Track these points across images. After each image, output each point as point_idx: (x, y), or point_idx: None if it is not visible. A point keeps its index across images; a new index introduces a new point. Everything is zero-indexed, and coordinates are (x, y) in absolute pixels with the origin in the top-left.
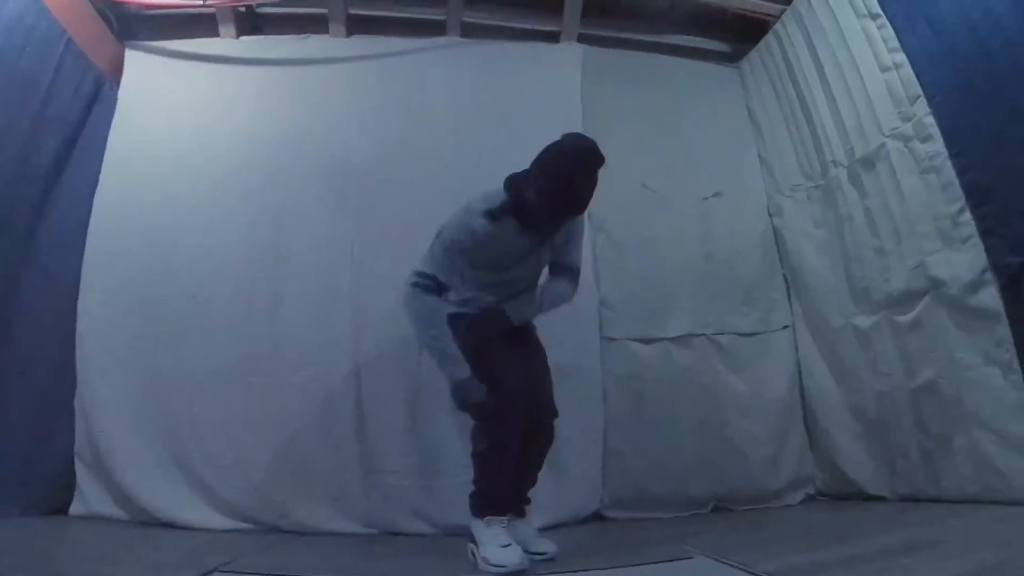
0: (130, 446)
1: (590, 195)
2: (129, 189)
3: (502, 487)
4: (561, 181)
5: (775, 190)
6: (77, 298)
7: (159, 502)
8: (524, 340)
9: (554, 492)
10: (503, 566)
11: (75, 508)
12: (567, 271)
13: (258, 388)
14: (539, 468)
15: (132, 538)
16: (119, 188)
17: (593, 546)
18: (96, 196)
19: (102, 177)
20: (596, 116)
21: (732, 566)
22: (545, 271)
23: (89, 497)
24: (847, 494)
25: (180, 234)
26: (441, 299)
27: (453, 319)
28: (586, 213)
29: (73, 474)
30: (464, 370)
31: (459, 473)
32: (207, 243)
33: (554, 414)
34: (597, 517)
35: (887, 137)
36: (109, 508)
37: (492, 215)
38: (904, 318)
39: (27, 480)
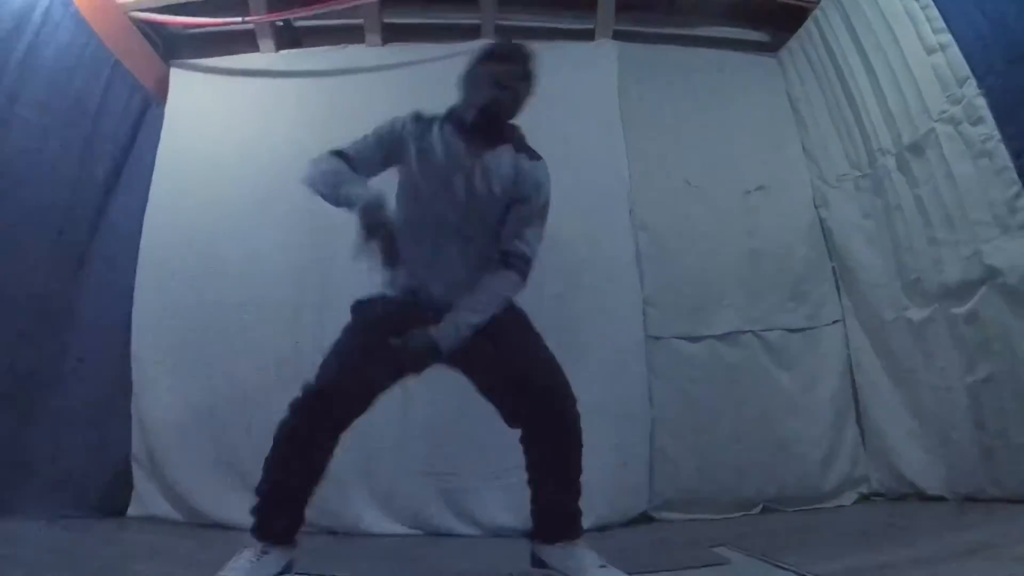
0: (184, 450)
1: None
2: (178, 202)
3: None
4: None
5: (821, 181)
6: (131, 309)
7: (212, 503)
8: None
9: (601, 493)
10: None
11: (132, 510)
12: (509, 256)
13: None
14: (565, 475)
15: (185, 538)
16: (168, 202)
17: (636, 549)
18: (147, 210)
19: (152, 192)
20: (634, 113)
21: (783, 568)
22: None
23: (145, 499)
24: (903, 494)
25: (228, 244)
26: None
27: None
28: (541, 192)
29: (130, 477)
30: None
31: (505, 475)
32: (254, 251)
33: (556, 398)
34: (645, 518)
35: (936, 121)
36: (165, 510)
37: (422, 117)
38: (960, 310)
39: (87, 483)
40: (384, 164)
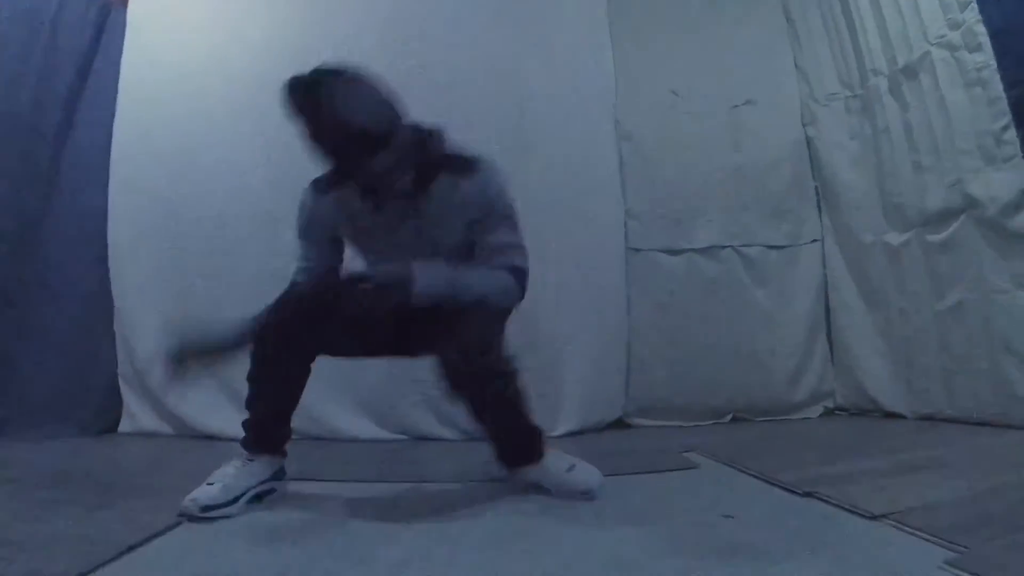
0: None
1: (317, 116)
2: (147, 114)
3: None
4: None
5: (810, 98)
6: (106, 225)
7: (200, 416)
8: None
9: (578, 400)
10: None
11: (124, 426)
12: (491, 258)
13: None
14: (511, 425)
15: (176, 451)
16: (137, 113)
17: (610, 453)
18: (115, 123)
19: (119, 103)
20: (623, 18)
21: (748, 474)
22: None
23: (136, 415)
24: (866, 410)
25: (201, 155)
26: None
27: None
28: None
29: (120, 395)
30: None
31: None
32: (228, 162)
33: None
34: (620, 424)
35: (932, 45)
36: (156, 424)
37: (322, 182)
38: (937, 237)
39: (78, 402)
40: (335, 244)
